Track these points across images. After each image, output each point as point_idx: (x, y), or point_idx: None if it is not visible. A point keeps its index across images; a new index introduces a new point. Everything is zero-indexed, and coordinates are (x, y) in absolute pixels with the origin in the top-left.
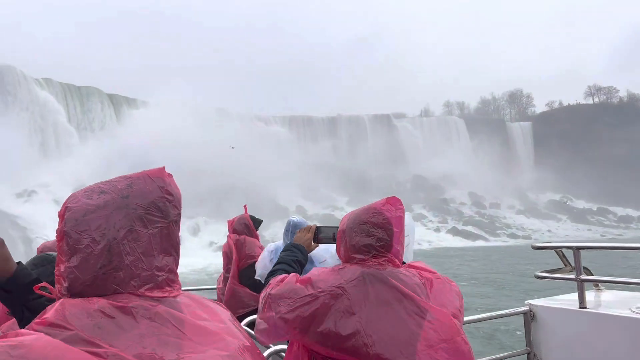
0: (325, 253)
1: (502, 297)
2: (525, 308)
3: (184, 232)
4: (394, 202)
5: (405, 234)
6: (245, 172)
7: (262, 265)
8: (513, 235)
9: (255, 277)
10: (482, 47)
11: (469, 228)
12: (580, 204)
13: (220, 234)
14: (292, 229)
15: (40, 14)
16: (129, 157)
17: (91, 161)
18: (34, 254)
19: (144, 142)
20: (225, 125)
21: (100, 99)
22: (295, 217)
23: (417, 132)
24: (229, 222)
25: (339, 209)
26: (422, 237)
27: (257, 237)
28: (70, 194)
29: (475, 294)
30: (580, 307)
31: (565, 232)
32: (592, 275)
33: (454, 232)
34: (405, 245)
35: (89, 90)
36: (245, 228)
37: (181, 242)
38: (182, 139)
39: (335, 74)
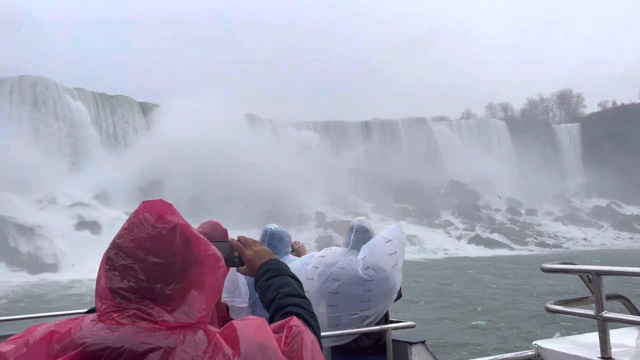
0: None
1: (501, 330)
2: (530, 352)
3: None
4: (156, 209)
5: (392, 251)
6: (271, 178)
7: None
8: (542, 244)
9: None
10: (532, 47)
11: (494, 236)
12: (629, 210)
13: None
14: (269, 239)
15: (78, 26)
16: (154, 164)
17: (116, 169)
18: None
19: (170, 150)
20: (254, 130)
21: (131, 107)
22: (274, 225)
23: (455, 135)
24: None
25: (362, 215)
26: (439, 245)
27: None
28: (90, 201)
29: (461, 320)
30: (603, 357)
31: (602, 241)
32: (633, 307)
33: (477, 240)
34: (392, 265)
35: (121, 99)
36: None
37: None
38: (209, 145)
39: (377, 79)
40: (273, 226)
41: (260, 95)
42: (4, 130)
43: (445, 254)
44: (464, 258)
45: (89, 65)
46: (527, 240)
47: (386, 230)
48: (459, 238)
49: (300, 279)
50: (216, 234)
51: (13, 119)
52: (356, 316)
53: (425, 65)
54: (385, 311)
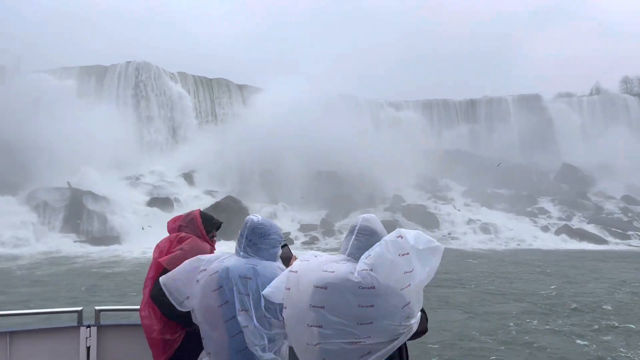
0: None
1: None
2: None
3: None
4: None
5: (408, 269)
6: (357, 159)
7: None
8: None
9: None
10: None
11: (589, 227)
12: None
13: (296, 221)
14: (249, 234)
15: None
16: (242, 145)
17: (205, 149)
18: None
19: (260, 130)
20: (350, 111)
21: (229, 89)
22: (257, 216)
23: (575, 114)
24: (170, 222)
25: (447, 200)
26: (516, 235)
27: (209, 242)
28: (174, 180)
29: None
30: None
31: None
32: None
33: (565, 231)
34: (403, 286)
35: (220, 82)
36: (194, 228)
37: None
38: (299, 125)
39: (493, 56)
40: (256, 217)
41: (363, 77)
42: (110, 112)
43: (518, 245)
44: (535, 251)
45: (191, 50)
46: (629, 233)
47: (402, 234)
48: (545, 228)
49: (277, 289)
50: (191, 227)
51: (120, 102)
52: (351, 346)
53: (551, 38)
54: (397, 346)
